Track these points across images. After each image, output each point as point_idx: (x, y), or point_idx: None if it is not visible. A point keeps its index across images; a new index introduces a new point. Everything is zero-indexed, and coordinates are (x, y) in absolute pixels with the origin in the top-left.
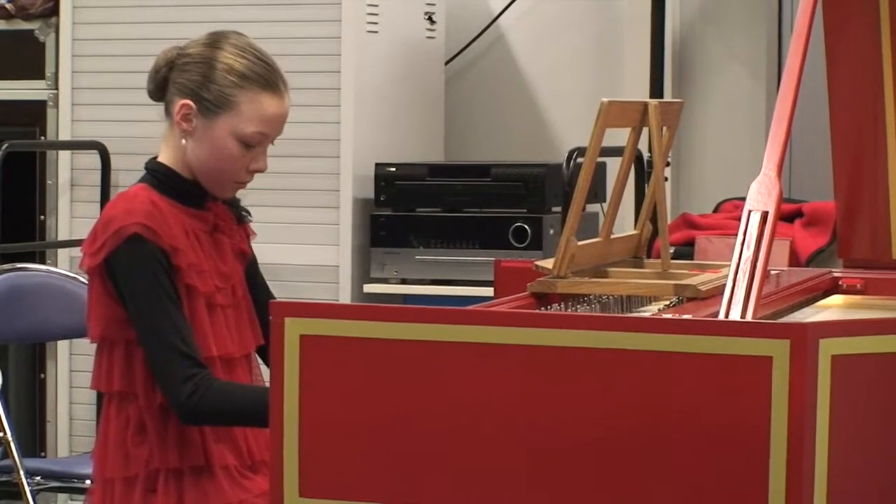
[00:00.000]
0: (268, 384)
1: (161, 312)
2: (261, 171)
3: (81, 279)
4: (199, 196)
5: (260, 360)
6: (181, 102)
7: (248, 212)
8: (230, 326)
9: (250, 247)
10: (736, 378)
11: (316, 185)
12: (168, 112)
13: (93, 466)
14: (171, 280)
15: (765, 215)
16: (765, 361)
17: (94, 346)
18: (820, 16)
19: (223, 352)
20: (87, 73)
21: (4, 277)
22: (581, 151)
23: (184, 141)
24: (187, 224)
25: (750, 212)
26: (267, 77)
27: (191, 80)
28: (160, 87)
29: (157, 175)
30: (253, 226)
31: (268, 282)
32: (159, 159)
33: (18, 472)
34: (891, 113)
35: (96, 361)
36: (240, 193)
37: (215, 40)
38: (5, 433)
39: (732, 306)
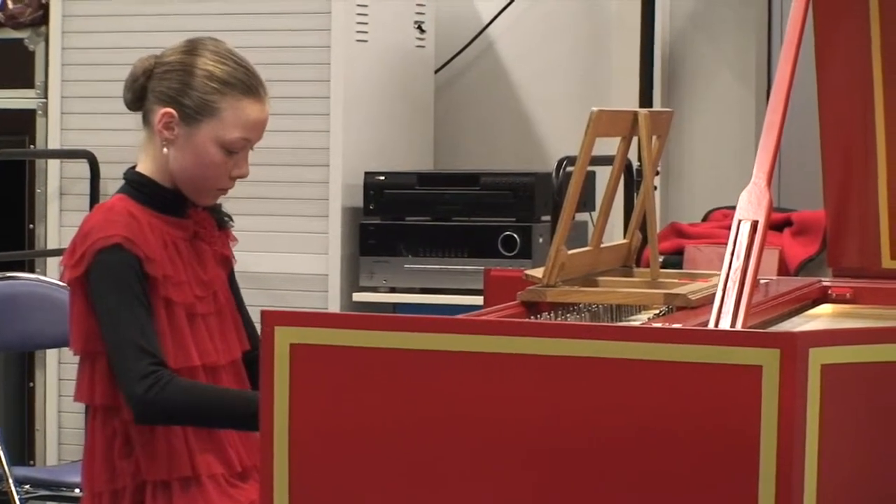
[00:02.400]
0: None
1: (126, 313)
2: (243, 176)
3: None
4: (179, 204)
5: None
6: (162, 111)
7: (230, 217)
8: (213, 334)
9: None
10: (726, 387)
11: (305, 193)
12: (147, 121)
13: (81, 479)
14: (144, 289)
15: (755, 224)
16: (755, 371)
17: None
18: (810, 24)
19: (206, 360)
20: (76, 82)
21: None
22: (570, 160)
23: (165, 150)
24: (166, 234)
25: (740, 221)
26: (248, 82)
27: (170, 87)
28: (138, 97)
29: (136, 185)
30: (242, 235)
31: (255, 291)
32: (138, 169)
33: (7, 481)
34: (881, 122)
35: (79, 374)
36: (224, 200)
37: (193, 47)
38: None
39: (722, 315)
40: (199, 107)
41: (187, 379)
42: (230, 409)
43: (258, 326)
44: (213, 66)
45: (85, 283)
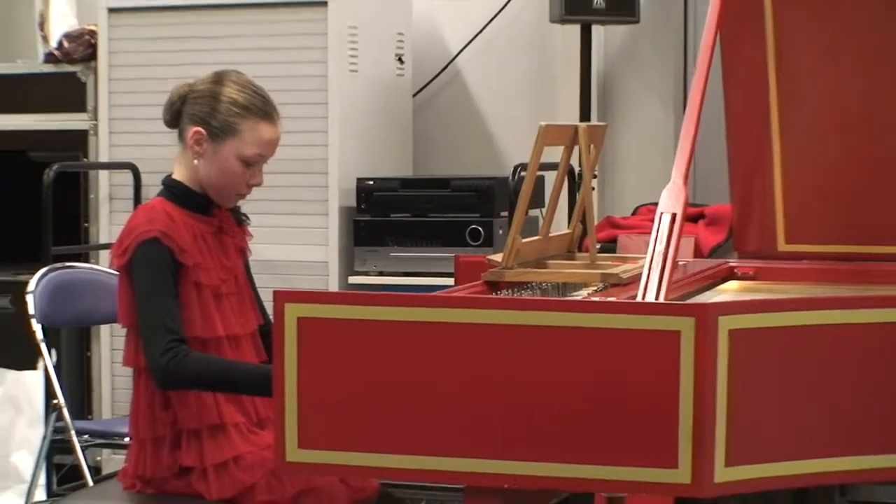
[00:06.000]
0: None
1: (157, 296)
2: (258, 185)
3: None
4: (207, 205)
5: None
6: (193, 129)
7: (246, 216)
8: (234, 310)
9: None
10: (652, 348)
11: (309, 196)
12: (181, 137)
13: (129, 429)
14: (175, 278)
15: (674, 216)
16: (674, 335)
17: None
18: (718, 55)
19: (230, 332)
20: (120, 107)
21: (56, 274)
22: (524, 166)
23: (196, 161)
24: (196, 229)
25: (661, 213)
26: (264, 108)
27: (201, 110)
28: (175, 118)
29: (172, 189)
30: (257, 230)
31: (268, 275)
32: (174, 176)
33: (70, 432)
34: (776, 131)
35: (126, 344)
36: (242, 203)
37: (220, 78)
38: (59, 400)
39: (648, 290)
40: (223, 127)
41: (202, 353)
42: (233, 379)
43: (270, 305)
44: (236, 93)
45: (129, 269)
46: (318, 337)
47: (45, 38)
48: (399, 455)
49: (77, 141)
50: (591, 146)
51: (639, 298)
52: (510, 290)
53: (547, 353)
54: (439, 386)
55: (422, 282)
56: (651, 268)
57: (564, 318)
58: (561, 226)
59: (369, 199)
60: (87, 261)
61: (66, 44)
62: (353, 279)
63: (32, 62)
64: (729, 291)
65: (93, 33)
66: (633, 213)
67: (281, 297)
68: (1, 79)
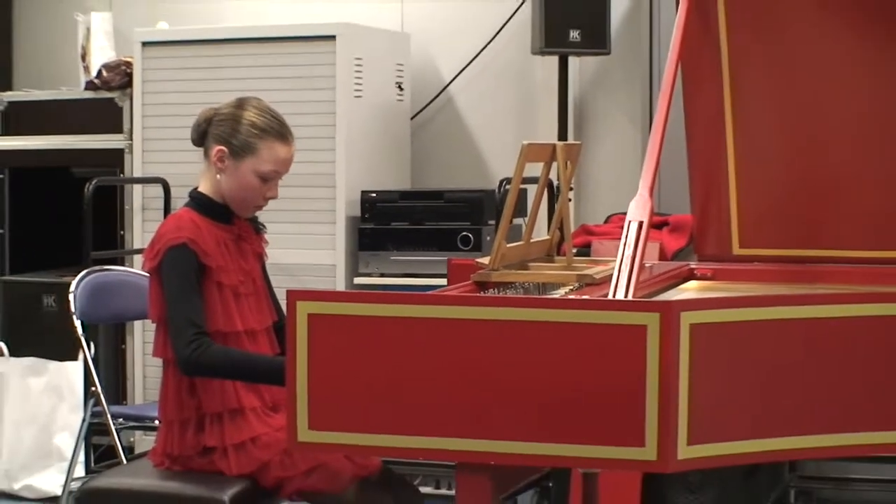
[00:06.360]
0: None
1: (184, 295)
2: (274, 198)
3: None
4: (228, 215)
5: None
6: (217, 148)
7: (263, 226)
8: (252, 308)
9: (265, 251)
10: (621, 341)
11: (319, 206)
12: (206, 155)
13: (158, 412)
14: (199, 279)
15: (641, 224)
16: (641, 329)
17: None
18: (680, 80)
19: (247, 327)
20: (152, 128)
21: (95, 276)
22: (508, 180)
23: (218, 176)
24: (219, 236)
25: (630, 221)
26: (280, 130)
27: (224, 131)
28: (201, 137)
29: (198, 201)
30: (273, 237)
31: (283, 277)
32: (199, 189)
33: (106, 416)
34: (731, 148)
35: (156, 337)
36: (260, 214)
37: (241, 103)
38: (97, 387)
39: (618, 289)
40: (243, 146)
41: (222, 345)
42: (250, 368)
43: (283, 303)
44: (255, 117)
45: (159, 271)
46: (326, 331)
47: (87, 69)
48: (398, 435)
49: (114, 158)
50: (568, 162)
51: (610, 296)
52: (496, 290)
53: (529, 345)
54: (433, 374)
55: (418, 282)
56: (621, 269)
57: (544, 314)
58: (541, 232)
59: (372, 209)
60: (122, 264)
61: (104, 73)
62: (357, 280)
63: (75, 89)
64: (690, 290)
65: (128, 64)
66: (606, 222)
67: (293, 295)
68: (47, 104)
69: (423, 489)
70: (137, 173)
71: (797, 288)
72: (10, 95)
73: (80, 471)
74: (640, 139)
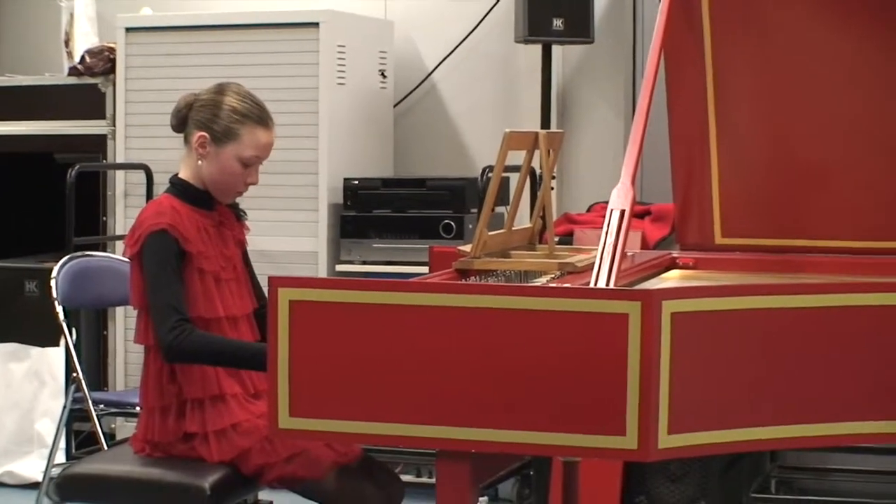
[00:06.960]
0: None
1: (165, 281)
2: (254, 184)
3: None
4: (209, 201)
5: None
6: (198, 134)
7: (244, 212)
8: (233, 294)
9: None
10: (603, 329)
11: (301, 193)
12: (187, 141)
13: (139, 399)
14: (180, 265)
15: (623, 212)
16: (623, 317)
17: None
18: (663, 69)
19: (228, 313)
20: (135, 115)
21: (77, 262)
22: (491, 168)
23: (199, 162)
24: (199, 222)
25: (612, 210)
26: (260, 115)
27: (205, 117)
28: (181, 123)
29: (178, 187)
30: (255, 223)
31: (265, 264)
32: (180, 175)
33: (87, 402)
34: (713, 138)
35: (137, 323)
36: (241, 200)
37: (222, 89)
38: (78, 374)
39: (600, 277)
40: (224, 132)
41: (204, 331)
42: (232, 354)
43: (265, 290)
44: (236, 102)
45: (140, 257)
46: (307, 318)
47: (70, 54)
48: (379, 423)
49: (97, 144)
50: (550, 151)
51: (592, 285)
52: (478, 277)
53: (510, 332)
54: (414, 361)
55: (400, 270)
56: (602, 258)
57: (526, 301)
58: (523, 221)
59: (354, 196)
60: (104, 250)
61: (87, 59)
62: (339, 267)
63: (58, 75)
64: (671, 279)
65: (111, 50)
66: (588, 210)
67: (275, 282)
68: (30, 90)
69: (404, 477)
70: (120, 159)
71: (779, 277)
72: None
73: (60, 457)
74: (622, 128)
